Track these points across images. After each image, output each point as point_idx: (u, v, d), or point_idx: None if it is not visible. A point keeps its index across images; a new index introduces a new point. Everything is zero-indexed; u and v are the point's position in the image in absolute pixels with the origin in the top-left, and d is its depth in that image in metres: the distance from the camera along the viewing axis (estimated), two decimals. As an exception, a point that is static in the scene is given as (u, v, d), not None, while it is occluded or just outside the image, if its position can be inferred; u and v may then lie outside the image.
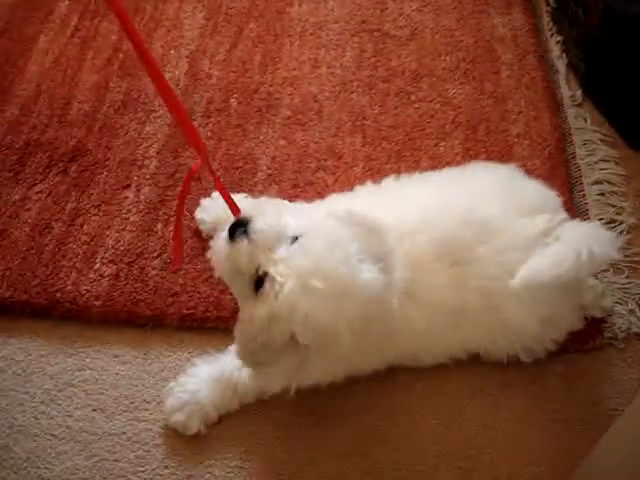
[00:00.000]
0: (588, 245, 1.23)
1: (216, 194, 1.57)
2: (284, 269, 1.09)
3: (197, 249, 1.60)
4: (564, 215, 1.40)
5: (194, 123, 1.82)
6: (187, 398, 1.37)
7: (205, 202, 1.61)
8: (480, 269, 1.29)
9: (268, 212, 1.16)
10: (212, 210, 1.59)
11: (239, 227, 1.13)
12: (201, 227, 1.60)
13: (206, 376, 1.39)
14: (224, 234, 1.16)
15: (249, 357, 1.18)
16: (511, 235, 1.30)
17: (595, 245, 1.24)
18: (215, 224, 1.55)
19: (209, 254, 1.24)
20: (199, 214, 1.60)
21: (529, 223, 1.32)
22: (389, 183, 1.48)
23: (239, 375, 1.36)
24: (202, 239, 1.61)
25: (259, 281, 1.12)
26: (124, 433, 1.40)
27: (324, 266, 1.09)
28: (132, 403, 1.43)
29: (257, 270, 1.12)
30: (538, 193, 1.41)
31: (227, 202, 1.19)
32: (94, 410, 1.43)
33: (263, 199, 1.22)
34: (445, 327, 1.32)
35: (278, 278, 1.08)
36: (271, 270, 1.09)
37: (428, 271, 1.28)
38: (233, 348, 1.30)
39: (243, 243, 1.12)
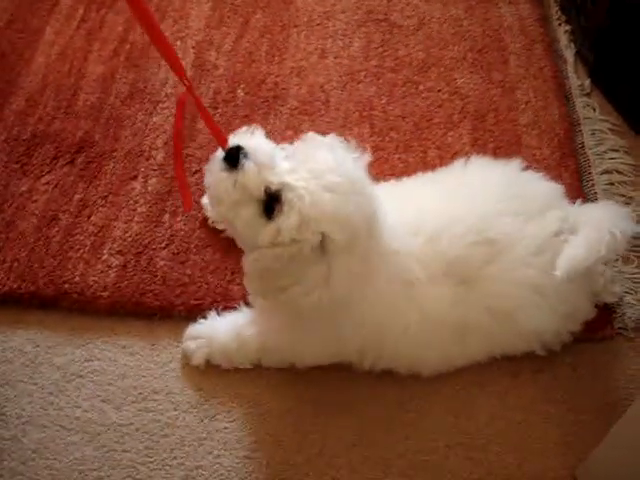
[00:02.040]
0: (615, 224, 1.27)
1: None
2: (301, 175, 1.12)
3: (205, 240, 1.60)
4: (568, 205, 1.41)
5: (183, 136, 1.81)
6: (203, 332, 1.43)
7: None
8: (488, 288, 1.29)
9: (254, 136, 1.19)
10: None
11: (243, 156, 1.14)
12: (207, 214, 1.60)
13: (227, 324, 1.43)
14: (219, 165, 1.16)
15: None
16: (521, 249, 1.30)
17: (621, 223, 1.28)
18: None
19: (205, 198, 1.23)
20: (206, 199, 1.59)
21: (539, 227, 1.32)
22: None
23: (247, 332, 1.40)
24: (209, 230, 1.61)
25: (269, 203, 1.13)
26: (132, 424, 1.40)
27: (333, 164, 1.14)
28: (140, 394, 1.43)
29: (266, 191, 1.13)
30: (542, 190, 1.41)
31: (213, 132, 1.19)
32: (102, 401, 1.43)
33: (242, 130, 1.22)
34: (446, 342, 1.33)
35: (300, 183, 1.11)
36: (289, 180, 1.12)
37: (434, 280, 1.28)
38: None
39: (250, 166, 1.14)
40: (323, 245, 1.13)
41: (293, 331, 1.33)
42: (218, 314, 1.46)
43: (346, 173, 1.15)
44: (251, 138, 1.18)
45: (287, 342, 1.36)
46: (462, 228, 1.29)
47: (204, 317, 1.46)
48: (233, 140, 1.17)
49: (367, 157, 1.22)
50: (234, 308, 1.47)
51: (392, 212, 1.26)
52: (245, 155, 1.14)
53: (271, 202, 1.14)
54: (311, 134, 1.21)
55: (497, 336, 1.34)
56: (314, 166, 1.13)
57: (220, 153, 1.18)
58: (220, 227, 1.57)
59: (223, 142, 1.18)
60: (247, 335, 1.40)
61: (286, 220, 1.12)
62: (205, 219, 1.62)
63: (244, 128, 1.21)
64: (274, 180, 1.13)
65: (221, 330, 1.43)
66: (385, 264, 1.25)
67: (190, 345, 1.43)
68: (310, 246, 1.13)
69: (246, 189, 1.14)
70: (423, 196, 1.38)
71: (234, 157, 1.15)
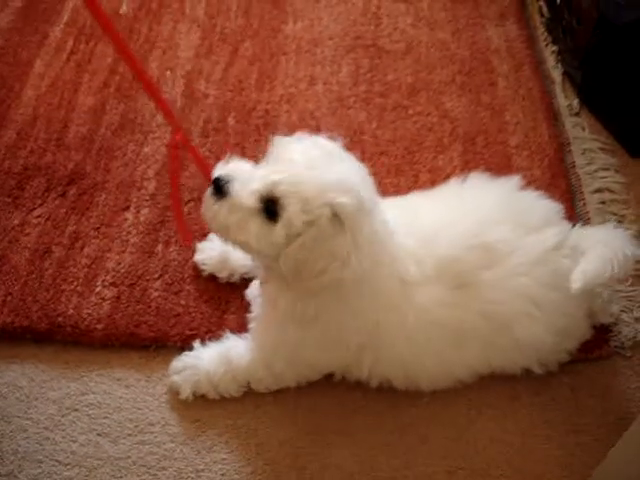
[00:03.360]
0: (625, 246, 1.31)
1: (213, 234, 1.57)
2: (280, 168, 1.18)
3: (198, 269, 1.59)
4: (567, 225, 1.41)
5: (192, 142, 1.82)
6: (189, 363, 1.43)
7: (203, 244, 1.60)
8: (485, 293, 1.30)
9: (230, 163, 1.24)
10: (212, 250, 1.57)
11: (227, 182, 1.20)
12: (202, 267, 1.58)
13: (212, 351, 1.44)
14: (211, 201, 1.21)
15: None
16: (518, 258, 1.31)
17: (629, 245, 1.32)
18: (216, 264, 1.57)
19: (206, 219, 1.25)
20: (198, 256, 1.59)
21: (537, 240, 1.33)
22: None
23: (235, 352, 1.41)
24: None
25: (268, 207, 1.17)
26: (129, 457, 1.38)
27: (305, 148, 1.20)
28: (137, 426, 1.42)
29: (260, 199, 1.18)
30: (541, 206, 1.42)
31: (200, 167, 1.26)
32: (98, 435, 1.41)
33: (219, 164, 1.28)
34: (443, 345, 1.32)
35: (284, 175, 1.16)
36: (272, 178, 1.16)
37: (430, 280, 1.29)
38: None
39: (235, 186, 1.20)
40: (336, 216, 1.15)
41: (299, 333, 1.32)
42: (203, 345, 1.46)
43: (322, 148, 1.22)
44: (227, 165, 1.24)
45: (290, 346, 1.35)
46: (459, 230, 1.31)
47: (190, 349, 1.46)
48: (213, 174, 1.23)
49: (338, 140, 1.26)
50: (220, 338, 1.47)
51: (391, 217, 1.28)
52: (227, 181, 1.20)
53: (269, 206, 1.17)
54: (277, 137, 1.25)
55: (494, 344, 1.34)
56: (289, 156, 1.19)
57: (208, 192, 1.23)
58: (220, 275, 1.57)
59: (209, 177, 1.24)
60: (235, 356, 1.40)
61: (289, 210, 1.15)
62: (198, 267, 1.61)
63: (220, 163, 1.25)
64: (261, 186, 1.18)
65: (206, 358, 1.42)
66: (383, 262, 1.26)
67: (176, 379, 1.43)
68: (326, 221, 1.15)
69: (242, 206, 1.18)
70: (421, 205, 1.40)
71: (220, 187, 1.20)
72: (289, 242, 1.17)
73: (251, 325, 1.42)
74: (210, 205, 1.22)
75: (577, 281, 1.25)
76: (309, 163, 1.17)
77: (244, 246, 1.24)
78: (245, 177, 1.20)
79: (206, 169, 1.25)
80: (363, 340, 1.32)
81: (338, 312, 1.28)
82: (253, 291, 1.46)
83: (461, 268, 1.30)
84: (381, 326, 1.30)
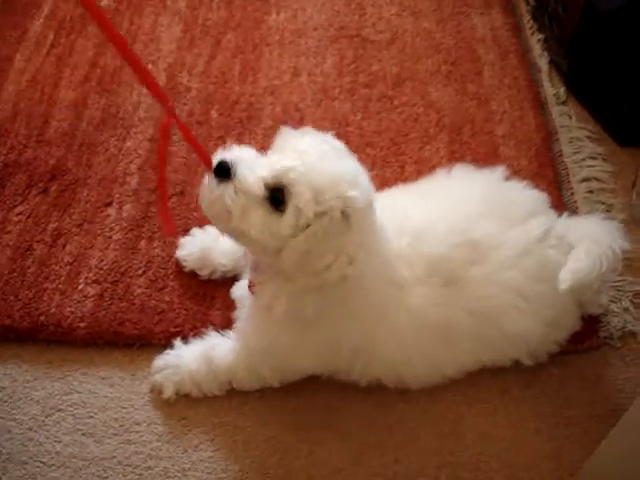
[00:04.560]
0: (614, 240, 1.30)
1: (196, 230, 1.58)
2: (290, 156, 1.14)
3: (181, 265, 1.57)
4: (554, 214, 1.41)
5: (175, 136, 1.80)
6: (170, 362, 1.41)
7: (185, 240, 1.57)
8: (473, 290, 1.29)
9: (232, 149, 1.19)
10: (193, 247, 1.55)
11: (233, 164, 1.15)
12: (183, 264, 1.56)
13: (194, 349, 1.42)
14: (214, 183, 1.16)
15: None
16: (506, 251, 1.30)
17: (618, 239, 1.31)
18: (197, 260, 1.54)
19: (204, 204, 1.20)
20: (180, 252, 1.57)
21: (523, 231, 1.32)
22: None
23: (217, 352, 1.39)
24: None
25: (273, 196, 1.14)
26: (115, 457, 1.37)
27: (314, 141, 1.17)
28: (122, 426, 1.40)
29: (266, 187, 1.14)
30: (526, 197, 1.41)
31: (198, 152, 1.18)
32: (83, 434, 1.39)
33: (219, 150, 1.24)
34: (434, 345, 1.31)
35: (294, 162, 1.13)
36: (282, 164, 1.13)
37: (419, 280, 1.28)
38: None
39: (243, 169, 1.15)
40: (347, 210, 1.13)
41: (294, 338, 1.30)
42: (185, 342, 1.44)
43: (330, 143, 1.19)
44: (230, 151, 1.19)
45: (280, 352, 1.33)
46: (445, 228, 1.30)
47: (171, 348, 1.44)
48: (216, 158, 1.17)
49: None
50: (202, 335, 1.45)
51: (379, 214, 1.25)
52: (234, 163, 1.15)
53: (275, 194, 1.14)
54: (284, 129, 1.22)
55: (483, 339, 1.33)
56: (298, 147, 1.15)
57: (209, 176, 1.18)
58: (201, 273, 1.55)
59: (208, 161, 1.18)
60: (217, 355, 1.38)
61: (300, 199, 1.12)
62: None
63: (219, 149, 1.20)
64: (269, 172, 1.14)
65: (188, 357, 1.41)
66: (378, 262, 1.24)
67: (157, 378, 1.41)
68: (338, 213, 1.12)
69: (248, 192, 1.14)
70: (407, 200, 1.38)
71: (225, 169, 1.15)
72: (295, 233, 1.14)
73: (237, 326, 1.39)
74: (212, 188, 1.16)
75: (565, 281, 1.24)
76: (319, 154, 1.14)
77: (243, 237, 1.19)
78: (251, 162, 1.16)
79: (203, 152, 1.19)
80: (356, 344, 1.30)
81: (335, 314, 1.25)
82: (240, 291, 1.42)
83: (450, 266, 1.29)
84: (374, 329, 1.28)
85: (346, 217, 1.13)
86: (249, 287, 1.32)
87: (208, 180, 1.18)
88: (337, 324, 1.27)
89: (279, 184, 1.13)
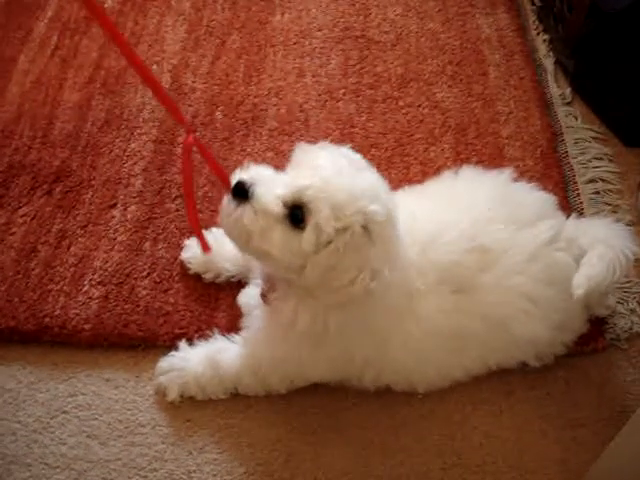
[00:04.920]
0: (625, 245, 1.30)
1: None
2: (307, 173, 1.13)
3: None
4: (562, 216, 1.40)
5: (179, 138, 1.80)
6: (175, 364, 1.40)
7: (190, 242, 1.58)
8: (484, 296, 1.28)
9: (249, 169, 1.18)
10: (198, 250, 1.54)
11: (250, 185, 1.14)
12: (188, 266, 1.56)
13: (199, 352, 1.41)
14: (233, 205, 1.15)
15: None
16: (515, 256, 1.29)
17: (629, 244, 1.31)
18: (201, 264, 1.54)
19: (225, 227, 1.20)
20: (185, 254, 1.57)
21: (531, 235, 1.31)
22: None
23: (223, 356, 1.38)
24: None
25: (293, 214, 1.13)
26: (120, 459, 1.36)
27: (331, 156, 1.16)
28: (127, 428, 1.40)
29: (285, 205, 1.13)
30: (535, 199, 1.40)
31: (216, 171, 1.19)
32: (88, 436, 1.39)
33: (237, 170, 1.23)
34: (445, 352, 1.31)
35: (312, 179, 1.11)
36: (300, 183, 1.12)
37: (431, 288, 1.27)
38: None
39: (260, 190, 1.14)
40: (368, 224, 1.13)
41: (312, 353, 1.29)
42: (190, 344, 1.44)
43: (347, 156, 1.18)
44: (247, 171, 1.17)
45: (294, 365, 1.32)
46: (454, 234, 1.29)
47: (176, 349, 1.43)
48: (234, 178, 1.16)
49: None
50: (209, 337, 1.44)
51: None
52: (251, 184, 1.14)
53: (295, 212, 1.12)
54: (300, 145, 1.21)
55: (492, 345, 1.33)
56: (314, 163, 1.14)
57: (227, 197, 1.17)
58: (205, 276, 1.55)
59: (227, 182, 1.17)
60: (223, 361, 1.38)
61: (320, 215, 1.10)
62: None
63: (237, 170, 1.19)
64: (287, 191, 1.13)
65: (193, 359, 1.40)
66: (395, 275, 1.22)
67: (162, 380, 1.41)
68: (359, 229, 1.11)
69: (267, 212, 1.13)
70: (414, 203, 1.36)
71: (242, 190, 1.14)
72: (317, 250, 1.13)
73: (246, 335, 1.38)
74: (231, 210, 1.15)
75: (580, 287, 1.24)
76: (337, 170, 1.13)
77: (265, 256, 1.17)
78: (269, 182, 1.15)
79: (221, 173, 1.18)
80: (369, 354, 1.29)
81: (354, 328, 1.24)
82: (246, 299, 1.41)
83: (460, 273, 1.28)
84: (387, 339, 1.28)
85: (368, 232, 1.12)
86: (262, 297, 1.31)
87: (227, 201, 1.17)
88: (353, 337, 1.26)
89: (298, 202, 1.12)
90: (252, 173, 1.17)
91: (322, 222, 1.10)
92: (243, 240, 1.17)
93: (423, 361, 1.31)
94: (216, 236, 1.52)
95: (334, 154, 1.17)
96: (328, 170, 1.12)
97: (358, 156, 1.21)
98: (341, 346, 1.27)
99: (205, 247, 1.27)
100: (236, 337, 1.41)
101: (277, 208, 1.13)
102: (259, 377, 1.36)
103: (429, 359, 1.31)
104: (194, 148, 1.14)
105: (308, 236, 1.12)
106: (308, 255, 1.13)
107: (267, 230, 1.13)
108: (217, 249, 1.50)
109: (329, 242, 1.12)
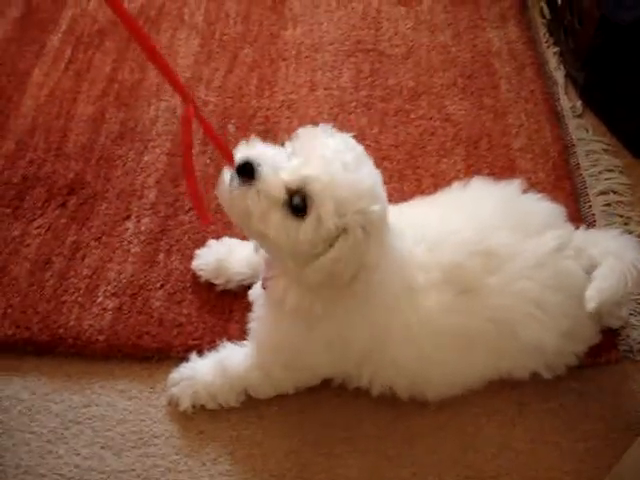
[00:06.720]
0: (636, 256, 1.29)
1: (211, 241, 1.59)
2: (315, 163, 1.12)
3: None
4: (570, 226, 1.41)
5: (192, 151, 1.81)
6: (185, 374, 1.41)
7: (200, 251, 1.58)
8: (489, 299, 1.29)
9: (255, 146, 1.17)
10: (208, 256, 1.56)
11: (257, 165, 1.13)
12: (199, 273, 1.56)
13: (208, 361, 1.42)
14: (236, 182, 1.14)
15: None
16: (521, 261, 1.29)
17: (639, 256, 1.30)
18: (212, 270, 1.55)
19: (225, 203, 1.19)
20: (195, 262, 1.57)
21: (538, 243, 1.32)
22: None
23: (231, 361, 1.39)
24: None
25: (293, 202, 1.12)
26: (133, 470, 1.37)
27: (339, 146, 1.16)
28: (140, 439, 1.40)
29: (287, 192, 1.12)
30: (542, 208, 1.41)
31: (220, 149, 1.16)
32: (102, 447, 1.39)
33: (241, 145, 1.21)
34: (449, 352, 1.31)
35: (319, 171, 1.11)
36: (306, 172, 1.11)
37: (435, 287, 1.28)
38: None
39: (267, 171, 1.13)
40: (367, 223, 1.13)
41: (305, 333, 1.29)
42: (200, 355, 1.44)
43: (352, 149, 1.18)
44: (253, 148, 1.17)
45: (292, 348, 1.32)
46: (461, 237, 1.30)
47: (187, 360, 1.44)
48: (238, 155, 1.15)
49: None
50: (216, 347, 1.45)
51: (395, 224, 1.26)
52: (258, 164, 1.13)
53: (295, 199, 1.12)
54: (303, 128, 1.21)
55: (499, 349, 1.32)
56: (323, 152, 1.13)
57: (229, 171, 1.16)
58: (216, 282, 1.55)
59: (231, 158, 1.15)
60: (231, 364, 1.38)
61: (322, 209, 1.11)
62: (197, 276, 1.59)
63: (242, 143, 1.18)
64: (293, 178, 1.12)
65: (202, 369, 1.41)
66: (393, 267, 1.25)
67: (174, 391, 1.41)
68: (360, 230, 1.12)
69: (270, 196, 1.12)
70: (425, 211, 1.39)
71: (249, 169, 1.13)
72: (313, 240, 1.13)
73: (251, 325, 1.39)
74: (235, 187, 1.14)
75: (592, 300, 1.24)
76: (345, 164, 1.13)
77: (262, 238, 1.18)
78: (274, 162, 1.14)
79: (224, 147, 1.15)
80: (366, 344, 1.30)
81: (347, 310, 1.25)
82: (256, 291, 1.41)
83: (466, 274, 1.28)
84: (384, 331, 1.28)
85: (367, 232, 1.13)
86: (262, 283, 1.32)
87: (229, 177, 1.16)
88: (347, 322, 1.27)
89: (302, 191, 1.12)
90: (258, 151, 1.16)
91: (324, 216, 1.11)
92: (242, 218, 1.17)
93: (426, 360, 1.31)
94: (226, 244, 1.53)
95: (340, 144, 1.17)
96: (335, 164, 1.12)
97: (360, 147, 1.21)
98: (332, 331, 1.28)
99: (204, 218, 1.23)
100: (245, 342, 1.42)
101: (280, 193, 1.12)
102: (264, 370, 1.36)
103: (432, 358, 1.30)
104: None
105: (308, 226, 1.12)
106: (303, 242, 1.13)
107: (267, 212, 1.13)
108: (227, 256, 1.52)
109: (327, 236, 1.12)
